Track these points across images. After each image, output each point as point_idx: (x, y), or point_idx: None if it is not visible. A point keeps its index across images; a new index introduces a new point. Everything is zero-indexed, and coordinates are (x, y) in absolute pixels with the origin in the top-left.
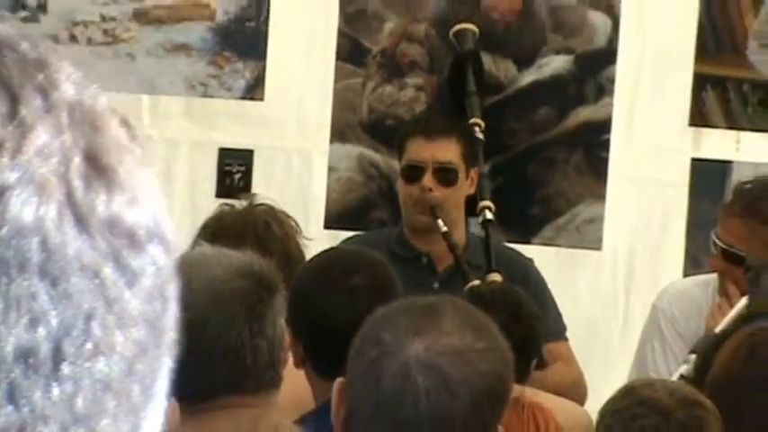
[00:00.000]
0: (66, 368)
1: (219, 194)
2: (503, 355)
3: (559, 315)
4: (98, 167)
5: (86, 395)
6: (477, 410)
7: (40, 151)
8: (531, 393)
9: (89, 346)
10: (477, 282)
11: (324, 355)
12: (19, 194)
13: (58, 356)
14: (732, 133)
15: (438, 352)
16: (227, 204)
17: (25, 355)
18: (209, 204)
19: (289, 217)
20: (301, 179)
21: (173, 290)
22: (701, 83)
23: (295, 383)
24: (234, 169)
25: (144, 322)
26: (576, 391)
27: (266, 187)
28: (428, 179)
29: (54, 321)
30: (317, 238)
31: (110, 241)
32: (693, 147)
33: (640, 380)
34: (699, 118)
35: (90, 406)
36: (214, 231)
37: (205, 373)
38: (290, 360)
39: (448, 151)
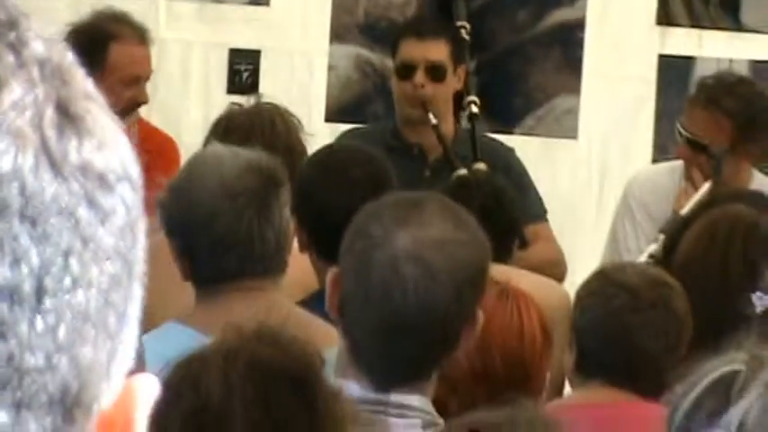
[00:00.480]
0: (48, 302)
1: (230, 91)
2: (481, 245)
3: (539, 199)
4: (69, 117)
5: (68, 325)
6: (459, 297)
7: (15, 104)
8: (515, 275)
9: (68, 280)
10: (463, 170)
11: (325, 241)
12: None
13: (40, 291)
14: (695, 31)
15: (422, 244)
16: (235, 103)
17: (10, 292)
18: (221, 100)
19: (292, 115)
20: (304, 77)
21: (141, 225)
22: None
23: (301, 266)
24: (243, 68)
25: (116, 256)
26: (555, 269)
27: (272, 84)
28: (420, 76)
29: (35, 260)
30: (318, 131)
31: (83, 184)
32: (660, 44)
33: (612, 264)
34: (665, 17)
35: (71, 335)
36: (225, 129)
37: (218, 259)
38: (296, 245)
39: (438, 50)
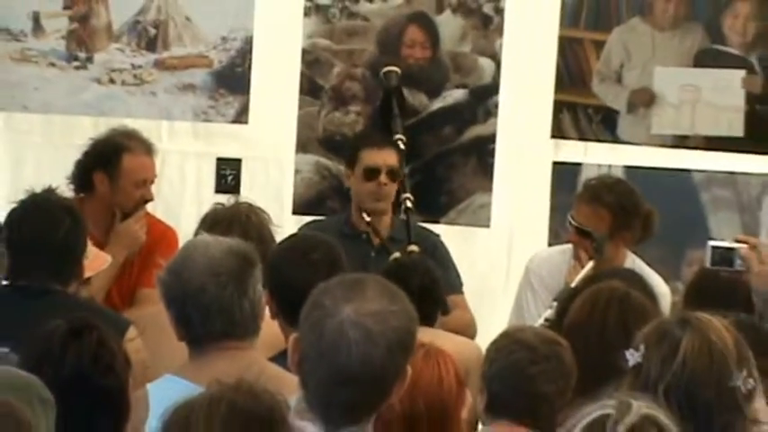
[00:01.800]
0: None
1: (218, 191)
2: (410, 314)
3: (458, 274)
4: None
5: None
6: (392, 356)
7: None
8: (438, 336)
9: None
10: (397, 254)
11: (290, 310)
12: None
13: None
14: (582, 143)
15: (363, 314)
16: (218, 203)
17: None
18: (211, 198)
19: (263, 211)
20: (275, 179)
21: None
22: (559, 107)
23: (272, 330)
24: (228, 173)
25: None
26: (469, 330)
27: (251, 185)
28: (384, 177)
29: None
30: (287, 222)
31: None
32: (554, 153)
33: (514, 326)
34: (558, 132)
35: None
36: (211, 222)
37: (206, 324)
38: (268, 313)
39: (392, 157)
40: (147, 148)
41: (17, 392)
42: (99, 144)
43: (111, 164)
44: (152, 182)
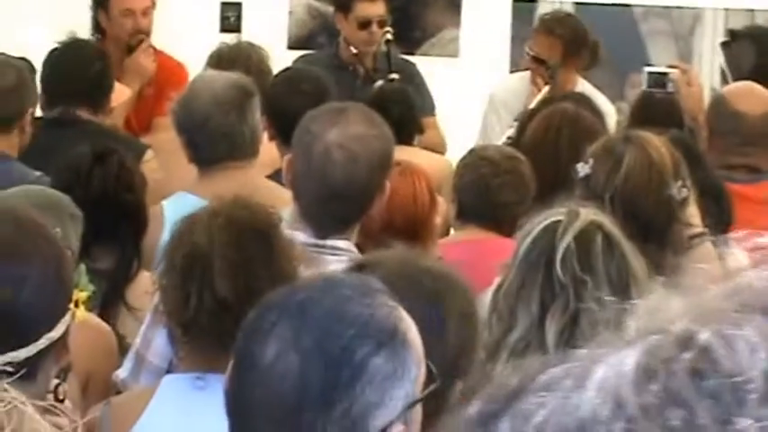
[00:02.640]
0: None
1: (222, 31)
2: (388, 137)
3: (431, 99)
4: None
5: None
6: (372, 173)
7: None
8: (414, 153)
9: None
10: (380, 82)
11: (285, 135)
12: None
13: None
14: None
15: (346, 137)
16: (223, 42)
17: None
18: (216, 37)
19: (262, 48)
20: (272, 19)
21: None
22: None
23: (270, 151)
24: (230, 15)
25: None
26: (440, 149)
27: (251, 25)
28: (375, 27)
29: None
30: (283, 56)
31: None
32: None
33: (480, 145)
34: None
35: None
36: (216, 59)
37: (211, 148)
38: (266, 137)
39: (383, 7)
40: None
41: (50, 210)
42: None
43: (105, 1)
44: (143, 13)
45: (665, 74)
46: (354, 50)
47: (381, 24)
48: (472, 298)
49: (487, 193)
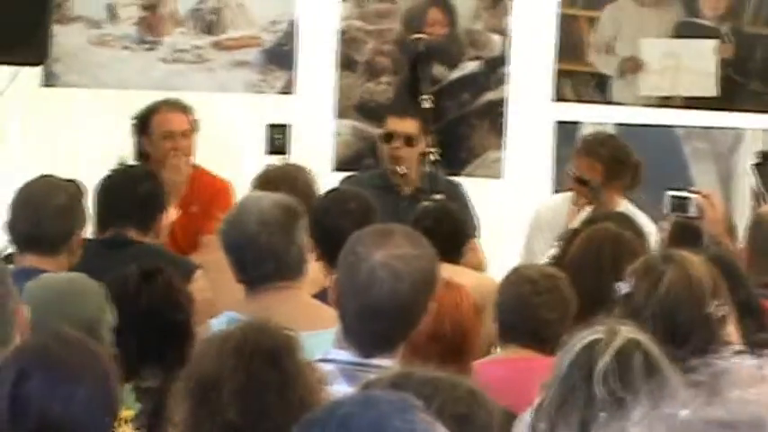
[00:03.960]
0: None
1: (268, 153)
2: (431, 256)
3: (474, 219)
4: None
5: None
6: (416, 291)
7: None
8: (459, 274)
9: None
10: (426, 202)
11: (331, 255)
12: None
13: None
14: (579, 105)
15: (391, 257)
16: (270, 164)
17: None
18: (263, 159)
19: (308, 170)
20: (319, 141)
21: None
22: (560, 74)
23: (317, 271)
24: (277, 137)
25: None
26: (481, 268)
27: (297, 147)
28: (397, 142)
29: None
30: (329, 178)
31: None
32: (556, 114)
33: (522, 264)
34: (559, 95)
35: None
36: (263, 181)
37: (259, 267)
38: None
39: (410, 125)
40: (174, 106)
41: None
42: (138, 114)
43: (145, 126)
44: (183, 134)
45: (686, 198)
46: (401, 170)
47: (407, 142)
48: (501, 416)
49: (527, 312)
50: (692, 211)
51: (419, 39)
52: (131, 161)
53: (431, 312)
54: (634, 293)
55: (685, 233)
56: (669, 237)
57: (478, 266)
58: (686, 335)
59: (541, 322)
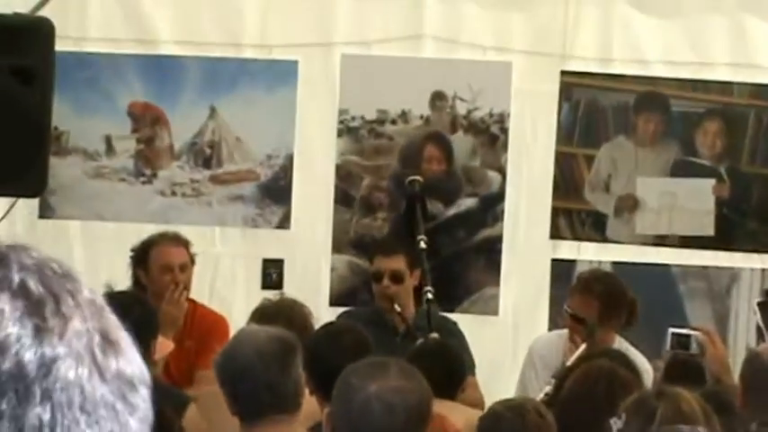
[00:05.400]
0: None
1: (264, 287)
2: (425, 391)
3: (471, 358)
4: (108, 341)
5: None
6: (410, 425)
7: (76, 333)
8: (455, 411)
9: None
10: (421, 339)
11: (326, 388)
12: (65, 361)
13: None
14: (576, 243)
15: (385, 390)
16: (266, 298)
17: None
18: (258, 294)
19: (303, 305)
20: (314, 276)
21: (150, 414)
22: (556, 212)
23: (311, 404)
24: (272, 272)
25: None
26: (480, 409)
27: (293, 282)
28: (386, 281)
29: None
30: (325, 312)
31: (119, 386)
32: (552, 251)
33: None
34: (555, 233)
35: None
36: (260, 314)
37: (254, 400)
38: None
39: (397, 262)
40: (172, 239)
41: None
42: (136, 246)
43: (144, 258)
44: (181, 268)
45: (688, 335)
46: (398, 308)
47: (395, 279)
48: None
49: None
50: (694, 348)
51: (414, 180)
52: (119, 288)
53: None
54: (626, 430)
55: (687, 370)
56: (669, 373)
57: (477, 403)
58: None
59: None
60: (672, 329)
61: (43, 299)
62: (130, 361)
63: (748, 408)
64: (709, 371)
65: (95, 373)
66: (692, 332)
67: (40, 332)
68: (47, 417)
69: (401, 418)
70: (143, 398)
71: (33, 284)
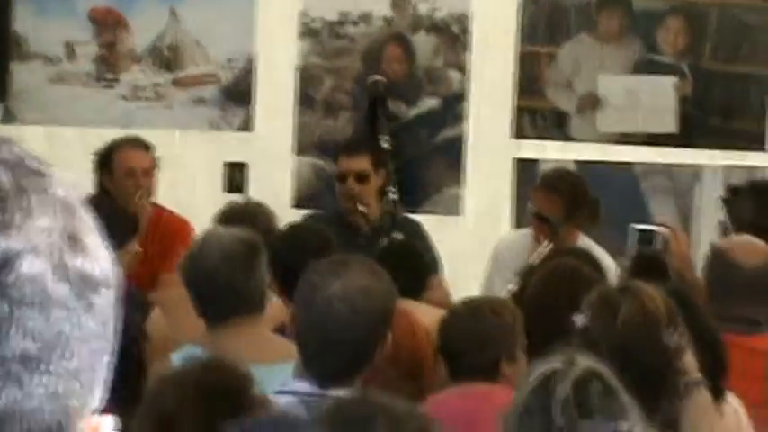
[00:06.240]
0: (51, 366)
1: (227, 191)
2: (388, 289)
3: (436, 257)
4: (74, 240)
5: (63, 383)
6: (373, 325)
7: (40, 229)
8: (419, 310)
9: (67, 353)
10: (385, 240)
11: (291, 290)
12: (24, 257)
13: (46, 358)
14: (538, 142)
15: (348, 289)
16: (230, 201)
17: (23, 358)
18: (221, 197)
19: (267, 207)
20: (277, 178)
21: (114, 315)
22: (519, 111)
23: (277, 304)
24: (235, 175)
25: (98, 337)
26: (447, 306)
27: (256, 185)
28: (350, 181)
29: (45, 336)
30: (289, 215)
31: (79, 286)
32: (515, 151)
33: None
34: (518, 132)
35: (64, 389)
36: (224, 217)
37: (219, 302)
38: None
39: (361, 163)
40: (135, 144)
41: None
42: (100, 151)
43: (107, 163)
44: (145, 172)
45: (652, 231)
46: (362, 208)
47: (362, 179)
48: None
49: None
50: (658, 244)
51: (377, 81)
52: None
53: (387, 343)
54: (591, 326)
55: (651, 267)
56: (633, 270)
57: (444, 302)
58: (643, 365)
59: (486, 353)
60: (635, 226)
61: (9, 193)
62: (96, 262)
63: (711, 303)
64: (673, 267)
65: (56, 270)
66: (655, 228)
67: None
68: (2, 309)
69: (364, 318)
70: (106, 299)
71: (4, 178)
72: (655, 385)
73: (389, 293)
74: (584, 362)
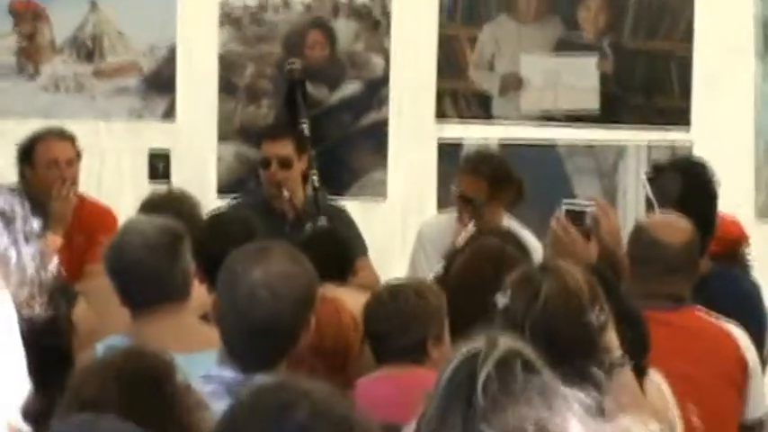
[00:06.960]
0: None
1: (151, 179)
2: (310, 274)
3: (363, 240)
4: None
5: None
6: (296, 310)
7: None
8: (344, 294)
9: None
10: (310, 226)
11: (215, 277)
12: None
13: None
14: (462, 123)
15: (269, 275)
16: (154, 190)
17: None
18: (146, 186)
19: (191, 195)
20: (201, 166)
21: (12, 314)
22: (441, 93)
23: (202, 293)
24: (159, 164)
25: None
26: (375, 287)
27: (180, 173)
28: (274, 166)
29: None
30: (213, 202)
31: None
32: (439, 132)
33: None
34: (441, 114)
35: None
36: (147, 206)
37: (143, 291)
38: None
39: (284, 148)
40: (58, 134)
41: None
42: (22, 143)
43: (29, 155)
44: (68, 163)
45: (581, 209)
46: (287, 194)
47: (285, 165)
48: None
49: (396, 325)
50: (588, 222)
51: (293, 66)
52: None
53: (311, 327)
54: (512, 305)
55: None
56: (554, 246)
57: (372, 284)
58: (566, 343)
59: (408, 335)
60: (564, 203)
61: None
62: None
63: (635, 280)
64: (602, 245)
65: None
66: (586, 204)
67: None
68: None
69: (286, 303)
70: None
71: None
72: (578, 363)
73: (311, 278)
74: (507, 342)
